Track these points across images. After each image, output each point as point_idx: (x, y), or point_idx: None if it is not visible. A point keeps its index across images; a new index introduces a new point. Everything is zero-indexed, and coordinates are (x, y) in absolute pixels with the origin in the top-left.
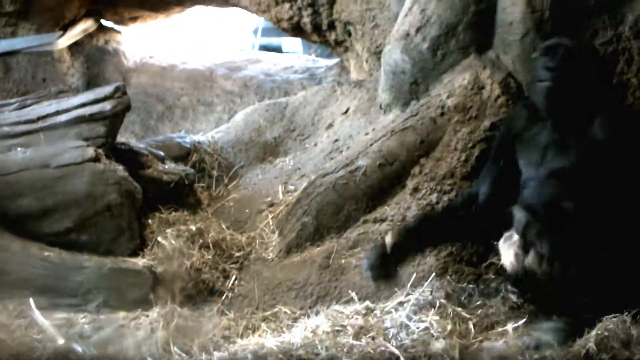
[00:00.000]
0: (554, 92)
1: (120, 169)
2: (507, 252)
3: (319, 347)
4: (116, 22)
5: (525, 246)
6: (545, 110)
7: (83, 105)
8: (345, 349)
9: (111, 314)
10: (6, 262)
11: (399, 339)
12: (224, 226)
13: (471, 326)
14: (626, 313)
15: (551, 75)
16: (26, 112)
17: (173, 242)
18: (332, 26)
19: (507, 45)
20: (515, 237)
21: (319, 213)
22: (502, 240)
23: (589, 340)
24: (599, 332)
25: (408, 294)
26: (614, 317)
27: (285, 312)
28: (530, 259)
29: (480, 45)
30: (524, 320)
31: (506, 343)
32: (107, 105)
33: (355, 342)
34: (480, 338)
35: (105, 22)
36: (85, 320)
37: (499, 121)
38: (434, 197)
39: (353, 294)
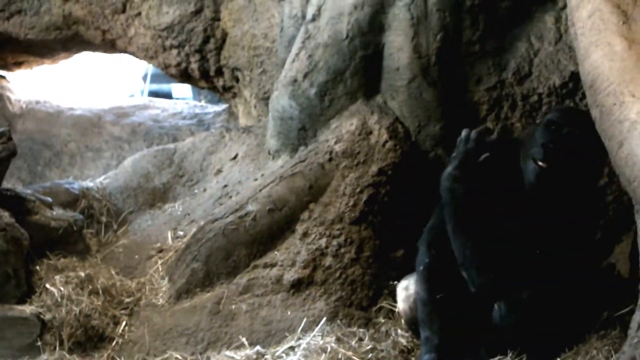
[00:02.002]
0: (549, 176)
1: (6, 215)
2: (404, 299)
3: None
4: (0, 67)
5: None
6: (532, 190)
7: None
8: None
9: None
10: None
11: None
12: (113, 272)
13: None
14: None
15: (549, 156)
16: None
17: (61, 288)
18: (219, 72)
19: (394, 90)
20: (412, 287)
21: (208, 259)
22: (400, 285)
23: None
24: None
25: (299, 339)
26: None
27: (177, 358)
28: None
29: (368, 91)
30: None
31: None
32: None
33: None
34: None
35: None
36: None
37: (387, 166)
38: (323, 242)
39: (244, 339)
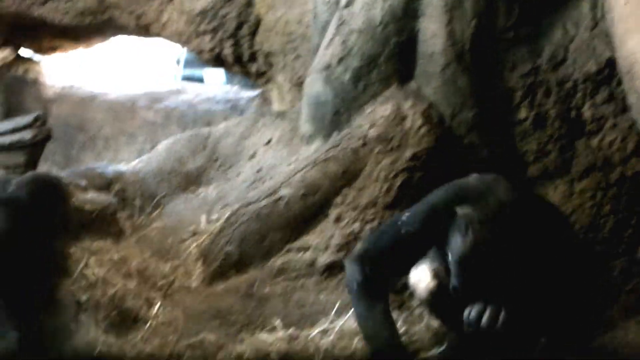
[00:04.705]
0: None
1: None
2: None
3: None
4: (35, 52)
5: None
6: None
7: (2, 134)
8: None
9: None
10: None
11: None
12: (147, 255)
13: None
14: None
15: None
16: None
17: (96, 271)
18: (253, 58)
19: (428, 76)
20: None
21: (242, 242)
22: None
23: None
24: None
25: (332, 322)
26: None
27: (210, 340)
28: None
29: (402, 77)
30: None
31: None
32: (26, 135)
33: None
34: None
35: (23, 52)
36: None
37: (421, 151)
38: (356, 226)
39: (277, 322)
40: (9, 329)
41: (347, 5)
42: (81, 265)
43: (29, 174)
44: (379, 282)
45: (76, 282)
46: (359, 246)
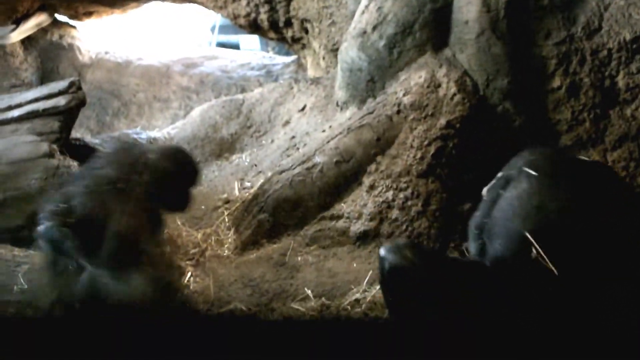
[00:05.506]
0: None
1: (74, 165)
2: None
3: None
4: (71, 17)
5: None
6: None
7: (36, 100)
8: None
9: None
10: None
11: None
12: (179, 222)
13: None
14: None
15: None
16: None
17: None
18: (289, 23)
19: (463, 43)
20: None
21: (275, 210)
22: None
23: None
24: None
25: (364, 291)
26: None
27: (241, 309)
28: None
29: (436, 44)
30: None
31: None
32: (61, 101)
33: None
34: None
35: (59, 17)
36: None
37: (455, 119)
38: (389, 195)
39: (309, 292)
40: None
41: None
42: None
43: (171, 147)
44: None
45: None
46: None
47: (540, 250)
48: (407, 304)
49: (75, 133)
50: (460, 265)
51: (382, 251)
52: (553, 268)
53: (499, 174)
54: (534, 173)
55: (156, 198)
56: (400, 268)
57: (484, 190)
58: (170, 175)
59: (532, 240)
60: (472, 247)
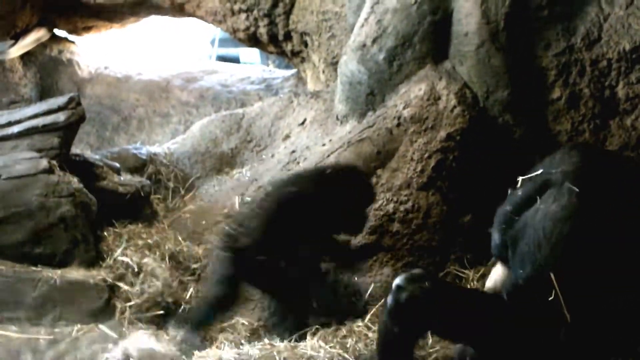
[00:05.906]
0: None
1: (74, 181)
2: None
3: (277, 359)
4: (70, 32)
5: None
6: None
7: (36, 116)
8: None
9: (66, 327)
10: None
11: (358, 349)
12: (180, 238)
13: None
14: None
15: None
16: None
17: (129, 254)
18: (288, 37)
19: (462, 55)
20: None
21: None
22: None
23: None
24: None
25: (366, 304)
26: None
27: (243, 324)
28: None
29: (436, 56)
30: None
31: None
32: (60, 116)
33: (313, 353)
34: (438, 347)
35: (58, 32)
36: (40, 335)
37: (455, 132)
38: (390, 208)
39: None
40: None
41: None
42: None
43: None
44: None
45: (109, 265)
46: None
47: (560, 294)
48: (414, 336)
49: (75, 149)
50: (476, 297)
51: (399, 281)
52: (567, 314)
53: (539, 170)
54: (575, 189)
55: None
56: (418, 298)
57: (520, 179)
58: None
59: (555, 284)
60: (495, 237)
